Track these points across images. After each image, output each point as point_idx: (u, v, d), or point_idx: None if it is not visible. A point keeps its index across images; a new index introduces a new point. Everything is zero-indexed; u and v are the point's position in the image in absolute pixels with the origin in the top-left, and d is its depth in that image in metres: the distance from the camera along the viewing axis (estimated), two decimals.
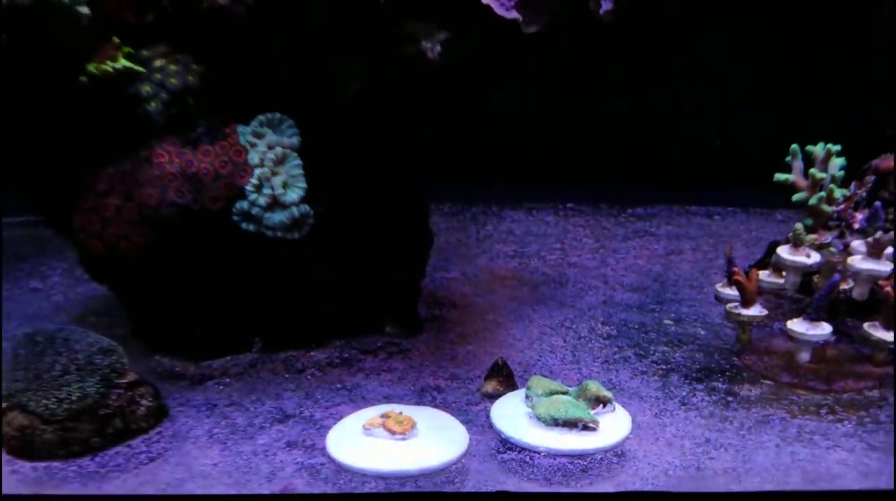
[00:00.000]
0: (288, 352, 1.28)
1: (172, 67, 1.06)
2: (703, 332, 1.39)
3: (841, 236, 1.30)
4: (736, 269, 1.19)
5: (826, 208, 1.18)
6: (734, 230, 1.97)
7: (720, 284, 1.27)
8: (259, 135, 1.08)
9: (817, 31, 1.92)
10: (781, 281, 1.23)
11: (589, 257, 1.77)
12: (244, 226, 1.10)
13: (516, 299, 1.52)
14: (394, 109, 1.11)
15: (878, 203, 1.20)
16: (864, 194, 1.34)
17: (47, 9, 0.88)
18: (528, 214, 2.06)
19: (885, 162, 1.34)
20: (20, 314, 1.48)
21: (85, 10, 0.92)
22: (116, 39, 1.00)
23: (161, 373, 1.22)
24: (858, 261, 1.15)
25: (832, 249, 1.24)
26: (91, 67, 0.96)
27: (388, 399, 1.15)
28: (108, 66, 0.96)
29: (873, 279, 1.14)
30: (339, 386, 1.20)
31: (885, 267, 1.14)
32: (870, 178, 1.36)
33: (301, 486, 0.96)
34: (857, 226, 1.28)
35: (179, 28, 1.05)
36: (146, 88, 1.03)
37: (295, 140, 1.09)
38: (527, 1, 0.94)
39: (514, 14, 0.94)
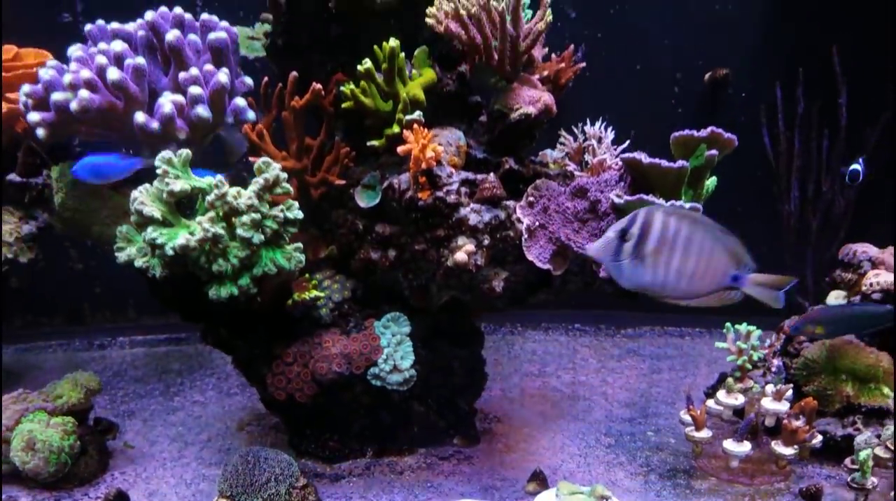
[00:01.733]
0: (390, 458, 1.89)
1: (335, 286, 1.71)
2: (673, 441, 2.00)
3: (764, 375, 1.93)
4: (691, 407, 1.81)
5: (748, 366, 1.81)
6: (700, 350, 2.60)
7: (682, 411, 1.89)
8: (387, 327, 1.72)
9: None
10: (722, 409, 1.85)
11: (593, 376, 2.40)
12: (374, 382, 1.73)
13: (542, 414, 2.14)
14: (467, 309, 1.76)
15: (780, 363, 1.83)
16: (779, 346, 1.98)
17: (279, 272, 1.53)
18: (545, 334, 2.70)
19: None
20: (196, 423, 2.09)
21: (297, 269, 1.57)
22: (308, 275, 1.65)
23: (308, 473, 1.83)
24: (767, 403, 1.78)
25: (756, 387, 1.87)
26: (296, 296, 1.61)
27: (462, 495, 1.75)
28: (306, 296, 1.61)
29: (777, 414, 1.77)
30: (428, 484, 1.80)
31: (784, 406, 1.76)
32: (783, 335, 2.01)
33: None
34: (773, 369, 1.91)
35: (341, 262, 1.70)
36: (320, 300, 1.68)
37: (408, 329, 1.73)
38: (555, 258, 1.60)
39: (547, 266, 1.59)
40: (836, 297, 1.91)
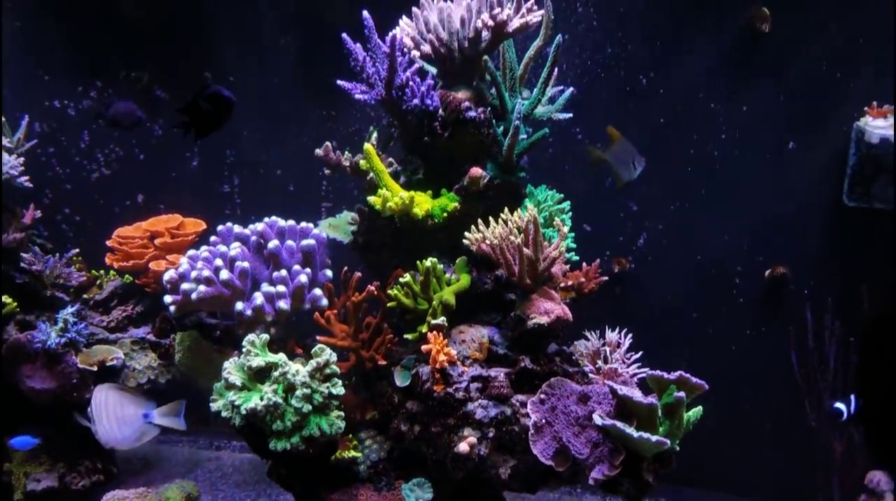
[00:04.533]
0: None
1: (374, 445, 2.03)
2: None
3: None
4: None
5: None
6: None
7: None
8: (412, 490, 1.99)
9: None
10: None
11: None
12: None
13: None
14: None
15: None
16: None
17: (322, 434, 1.88)
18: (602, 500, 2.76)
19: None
20: None
21: (338, 433, 1.92)
22: (352, 435, 1.99)
23: None
24: None
25: None
26: (338, 453, 1.95)
27: None
28: (346, 454, 1.95)
29: None
30: None
31: None
32: None
33: None
34: None
35: (383, 424, 2.03)
36: (360, 457, 2.00)
37: (430, 496, 1.97)
38: (558, 456, 1.78)
39: (550, 462, 1.77)
40: None
